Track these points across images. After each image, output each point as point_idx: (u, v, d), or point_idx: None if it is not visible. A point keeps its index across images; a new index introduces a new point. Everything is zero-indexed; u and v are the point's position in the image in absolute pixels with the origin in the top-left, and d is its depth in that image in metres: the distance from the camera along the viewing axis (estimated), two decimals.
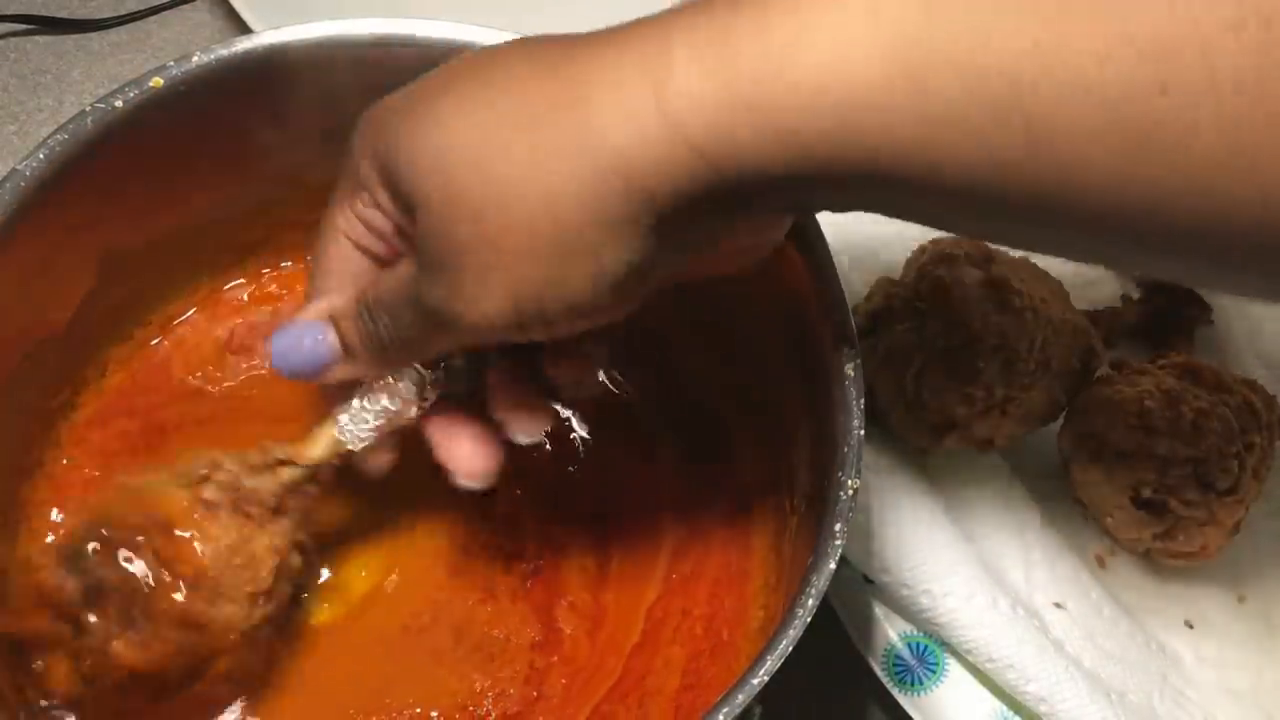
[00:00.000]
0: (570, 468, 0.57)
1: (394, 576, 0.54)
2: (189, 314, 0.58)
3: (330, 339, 0.45)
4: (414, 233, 0.40)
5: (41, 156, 0.48)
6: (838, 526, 0.44)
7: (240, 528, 0.46)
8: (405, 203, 0.40)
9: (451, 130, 0.38)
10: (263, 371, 0.58)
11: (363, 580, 0.54)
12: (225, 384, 0.58)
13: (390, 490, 0.51)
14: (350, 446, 0.47)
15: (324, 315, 0.45)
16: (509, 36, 0.52)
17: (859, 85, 0.33)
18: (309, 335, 0.45)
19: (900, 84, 0.33)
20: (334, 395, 0.48)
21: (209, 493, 0.46)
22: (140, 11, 0.82)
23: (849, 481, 0.45)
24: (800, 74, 0.34)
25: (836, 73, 0.33)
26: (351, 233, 0.44)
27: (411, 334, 0.42)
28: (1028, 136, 0.32)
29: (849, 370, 0.47)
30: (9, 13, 0.81)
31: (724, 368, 0.58)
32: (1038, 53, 0.31)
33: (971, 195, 0.34)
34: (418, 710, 0.51)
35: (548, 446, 0.57)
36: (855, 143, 0.34)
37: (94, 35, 0.82)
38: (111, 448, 0.55)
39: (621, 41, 0.37)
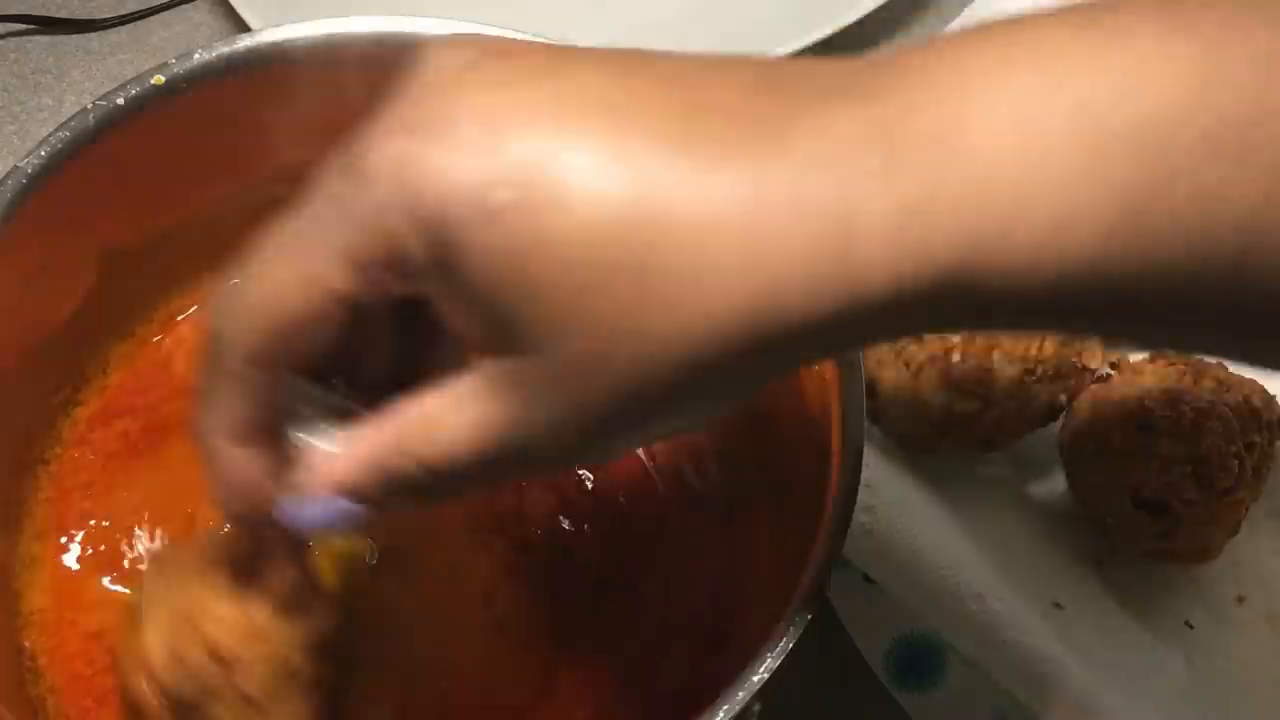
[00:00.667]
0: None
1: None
2: (191, 311, 0.58)
3: (355, 510, 0.36)
4: (487, 349, 0.32)
5: (43, 154, 0.48)
6: (838, 525, 0.44)
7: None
8: (487, 316, 0.31)
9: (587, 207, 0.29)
10: None
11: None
12: None
13: None
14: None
15: (337, 488, 0.36)
16: (510, 33, 0.53)
17: (1078, 251, 0.29)
18: (334, 510, 0.36)
19: (1121, 245, 0.29)
20: None
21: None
22: (140, 11, 0.82)
23: (849, 480, 0.45)
24: (1017, 238, 0.29)
25: (1056, 245, 0.29)
26: (349, 294, 0.33)
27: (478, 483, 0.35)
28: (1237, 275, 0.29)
29: (849, 369, 0.47)
30: (9, 13, 0.81)
31: None
32: (1269, 206, 0.29)
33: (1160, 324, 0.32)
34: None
35: None
36: (1066, 299, 0.30)
37: (94, 35, 0.81)
38: (113, 445, 0.55)
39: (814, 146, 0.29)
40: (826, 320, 0.30)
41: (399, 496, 0.35)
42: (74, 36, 0.81)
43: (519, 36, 0.53)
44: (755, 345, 0.30)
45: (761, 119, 0.30)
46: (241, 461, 0.36)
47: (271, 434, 0.36)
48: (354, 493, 0.35)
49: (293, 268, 0.33)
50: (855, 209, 0.29)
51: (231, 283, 0.34)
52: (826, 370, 0.48)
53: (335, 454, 0.36)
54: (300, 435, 0.36)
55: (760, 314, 0.30)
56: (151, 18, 0.82)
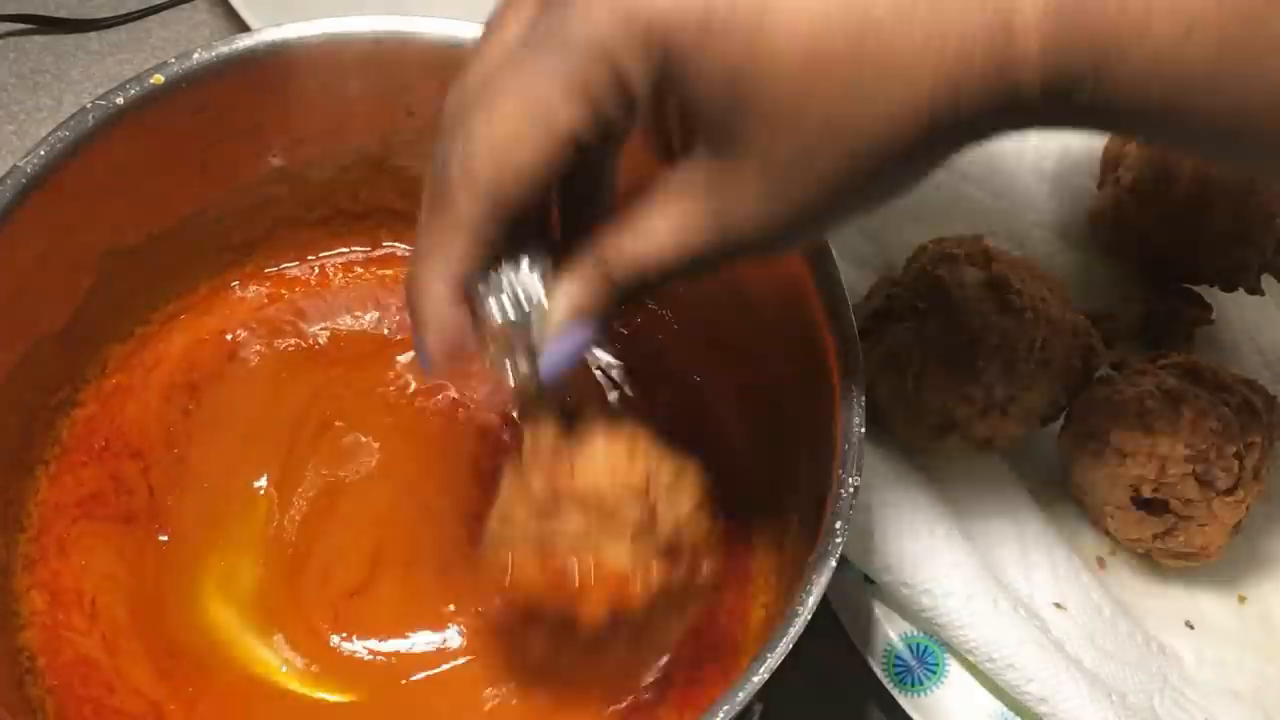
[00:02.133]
0: None
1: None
2: (190, 311, 0.58)
3: (588, 334, 0.40)
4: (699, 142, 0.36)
5: (42, 153, 0.48)
6: (838, 525, 0.44)
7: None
8: (706, 132, 0.36)
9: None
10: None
11: None
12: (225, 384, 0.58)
13: None
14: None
15: (574, 314, 0.40)
16: None
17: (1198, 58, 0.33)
18: (570, 345, 0.40)
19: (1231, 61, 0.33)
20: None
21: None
22: (139, 11, 0.82)
23: (849, 480, 0.45)
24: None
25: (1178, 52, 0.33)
26: (578, 130, 0.36)
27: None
28: None
29: (849, 369, 0.47)
30: (8, 12, 0.81)
31: (724, 367, 0.58)
32: None
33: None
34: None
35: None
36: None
37: (93, 35, 0.81)
38: (112, 446, 0.55)
39: None
40: (988, 108, 0.34)
41: (621, 303, 0.39)
42: (73, 36, 0.81)
43: None
44: (936, 131, 0.34)
45: None
46: (455, 312, 0.39)
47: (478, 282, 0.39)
48: (588, 313, 0.39)
49: (523, 109, 0.35)
50: (1013, 7, 0.33)
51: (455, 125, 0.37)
52: (829, 370, 0.47)
53: (563, 288, 0.39)
54: (517, 282, 0.39)
55: (941, 102, 0.34)
56: (151, 17, 0.82)
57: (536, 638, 0.47)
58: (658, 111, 0.40)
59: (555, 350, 0.39)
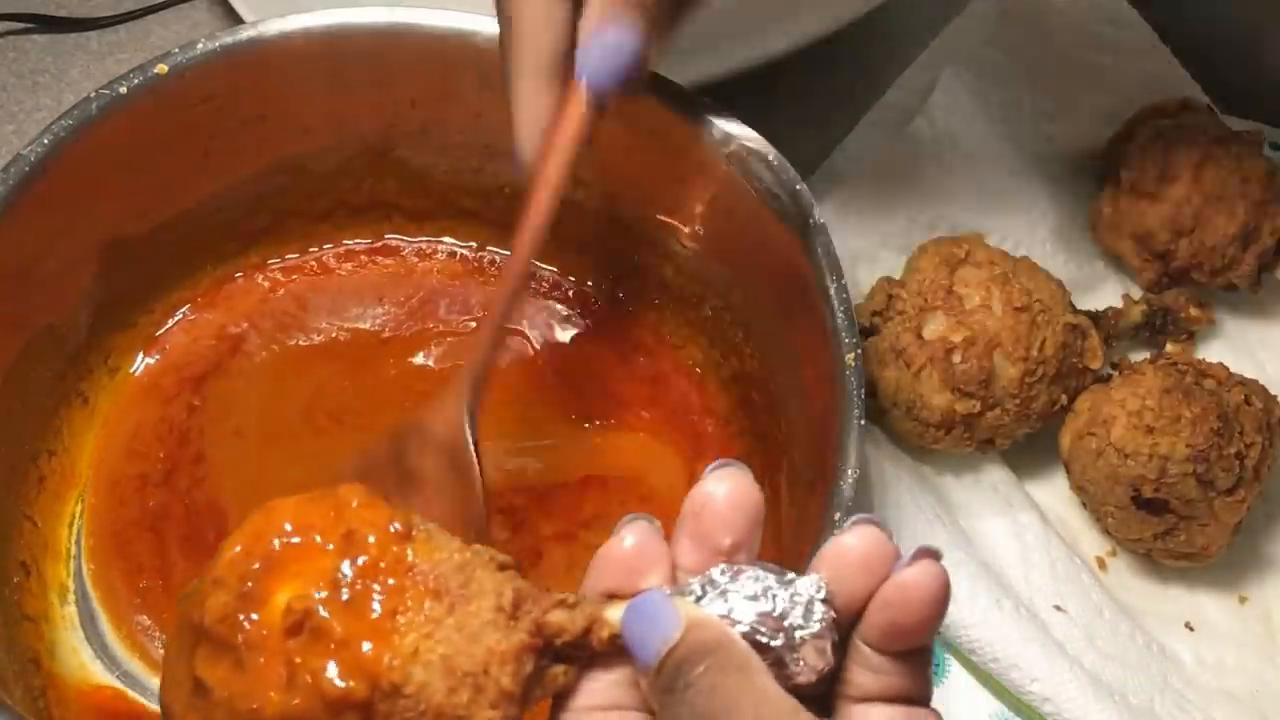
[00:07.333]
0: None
1: None
2: (192, 303, 0.58)
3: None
4: None
5: (46, 142, 0.48)
6: (838, 516, 0.44)
7: None
8: None
9: None
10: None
11: None
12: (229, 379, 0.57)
13: None
14: None
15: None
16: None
17: None
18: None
19: None
20: None
21: None
22: (139, 10, 0.82)
23: (849, 471, 0.45)
24: None
25: None
26: None
27: None
28: None
29: (849, 360, 0.47)
30: (8, 11, 0.81)
31: (725, 361, 0.58)
32: None
33: None
34: None
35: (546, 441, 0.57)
36: None
37: (92, 34, 0.81)
38: (113, 439, 0.55)
39: None
40: None
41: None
42: (72, 35, 0.81)
43: None
44: None
45: None
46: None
47: None
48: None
49: None
50: None
51: None
52: (830, 368, 0.47)
53: None
54: None
55: None
56: (150, 17, 0.82)
57: None
58: None
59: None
